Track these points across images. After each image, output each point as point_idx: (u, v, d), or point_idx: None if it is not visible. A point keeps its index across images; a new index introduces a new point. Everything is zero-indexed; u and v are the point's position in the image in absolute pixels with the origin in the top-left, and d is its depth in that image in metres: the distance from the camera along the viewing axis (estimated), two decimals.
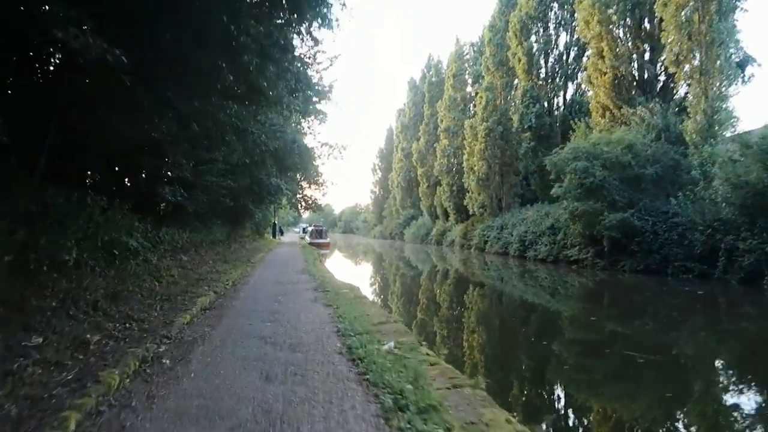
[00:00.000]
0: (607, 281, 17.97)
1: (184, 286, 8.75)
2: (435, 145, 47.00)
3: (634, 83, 22.61)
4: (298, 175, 37.25)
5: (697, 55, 18.25)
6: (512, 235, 27.78)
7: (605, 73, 22.60)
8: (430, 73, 53.00)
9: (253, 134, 10.70)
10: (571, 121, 26.89)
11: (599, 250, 19.13)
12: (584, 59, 30.88)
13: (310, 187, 39.27)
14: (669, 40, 18.66)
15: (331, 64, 16.55)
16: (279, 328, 6.12)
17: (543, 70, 32.49)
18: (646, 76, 22.88)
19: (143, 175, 11.02)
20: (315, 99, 12.69)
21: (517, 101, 32.19)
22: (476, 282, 19.00)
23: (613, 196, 18.17)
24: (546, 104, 32.08)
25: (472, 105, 43.53)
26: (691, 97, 18.94)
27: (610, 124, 22.67)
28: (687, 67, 18.87)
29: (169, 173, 11.15)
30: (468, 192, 36.46)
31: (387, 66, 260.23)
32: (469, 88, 44.07)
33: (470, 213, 37.75)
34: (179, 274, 9.82)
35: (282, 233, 55.47)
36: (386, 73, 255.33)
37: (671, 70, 19.24)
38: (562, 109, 32.04)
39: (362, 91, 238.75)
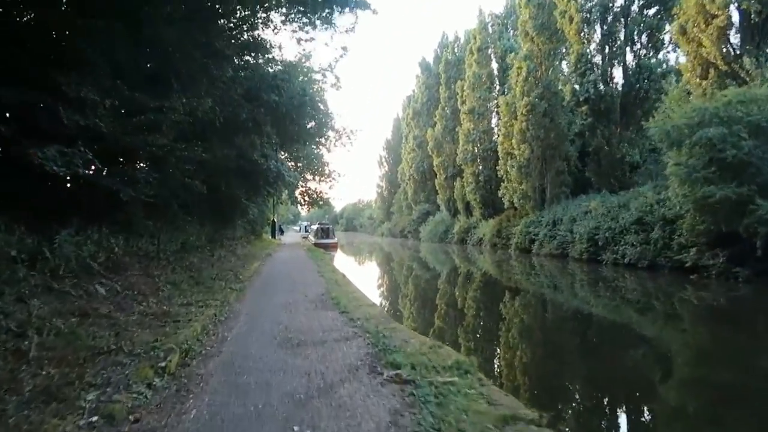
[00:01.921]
0: (756, 299, 12.39)
1: (14, 407, 3.06)
2: (457, 129, 41.22)
3: (752, 28, 16.92)
4: (300, 163, 31.75)
5: None
6: (573, 233, 22.11)
7: (714, 17, 16.89)
8: (446, 51, 47.20)
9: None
10: (647, 90, 21.49)
11: (737, 254, 13.44)
12: (648, 16, 25.31)
13: (314, 178, 34.03)
14: None
15: None
16: None
17: (597, 33, 26.68)
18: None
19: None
20: None
21: (569, 70, 26.41)
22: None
23: (766, 175, 12.53)
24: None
25: (497, 84, 37.89)
26: None
27: (715, 85, 17.00)
28: None
29: (63, 120, 5.41)
30: (504, 181, 30.73)
31: (388, 55, 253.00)
32: (494, 65, 38.26)
33: (504, 206, 32.03)
34: (46, 341, 4.12)
35: (282, 233, 49.90)
36: (388, 63, 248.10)
37: None
38: (621, 79, 26.21)
39: (362, 83, 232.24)
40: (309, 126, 11.14)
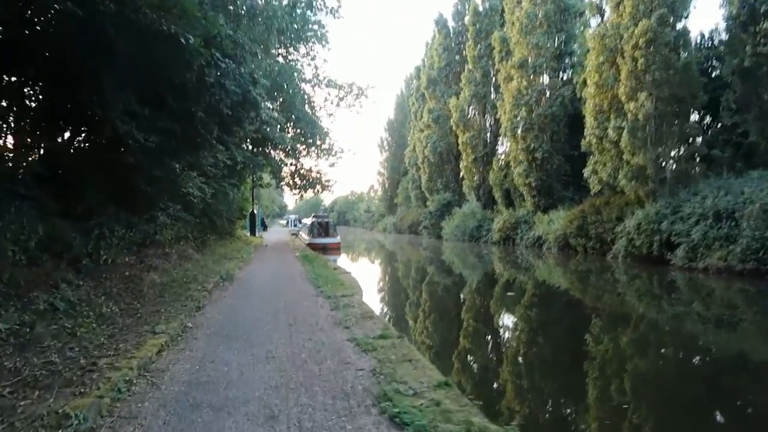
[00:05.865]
0: None
1: None
2: (490, 97, 31.24)
3: None
4: (290, 125, 21.94)
5: None
6: None
7: None
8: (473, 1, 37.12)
9: None
10: None
11: None
12: None
13: (309, 153, 24.20)
14: None
15: None
16: None
17: None
18: None
19: None
20: None
21: None
22: None
23: None
24: None
25: (553, 30, 27.66)
26: None
27: None
28: None
29: None
30: (593, 155, 20.78)
31: (383, 26, 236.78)
32: (550, 6, 27.99)
33: (569, 195, 22.17)
34: None
35: (265, 228, 39.57)
36: (382, 34, 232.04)
37: None
38: None
39: (355, 57, 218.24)
40: None
